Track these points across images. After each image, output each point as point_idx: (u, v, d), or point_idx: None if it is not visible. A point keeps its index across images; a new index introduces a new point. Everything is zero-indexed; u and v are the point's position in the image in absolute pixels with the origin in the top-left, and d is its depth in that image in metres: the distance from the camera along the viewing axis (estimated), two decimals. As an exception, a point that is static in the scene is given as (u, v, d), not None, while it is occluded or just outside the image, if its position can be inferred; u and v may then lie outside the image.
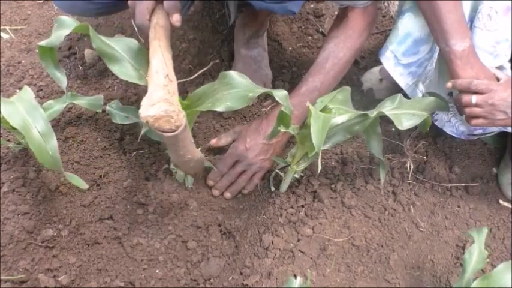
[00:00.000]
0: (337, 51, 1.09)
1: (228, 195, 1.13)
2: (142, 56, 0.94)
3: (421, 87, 1.19)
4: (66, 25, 0.96)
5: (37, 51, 1.36)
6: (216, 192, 1.13)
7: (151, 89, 0.78)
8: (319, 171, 0.91)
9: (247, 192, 1.15)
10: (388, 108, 0.99)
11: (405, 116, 0.98)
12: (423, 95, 1.16)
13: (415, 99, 1.05)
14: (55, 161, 0.90)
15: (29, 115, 0.89)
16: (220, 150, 1.19)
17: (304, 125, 0.96)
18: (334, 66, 1.08)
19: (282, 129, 0.91)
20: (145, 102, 0.77)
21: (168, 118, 0.77)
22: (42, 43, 0.96)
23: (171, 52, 0.84)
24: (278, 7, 0.97)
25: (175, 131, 0.79)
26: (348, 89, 1.03)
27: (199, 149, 1.16)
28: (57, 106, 1.10)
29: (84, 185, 1.03)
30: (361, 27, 1.11)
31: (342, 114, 0.96)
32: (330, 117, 0.90)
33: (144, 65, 0.92)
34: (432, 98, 1.05)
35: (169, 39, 0.86)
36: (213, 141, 1.17)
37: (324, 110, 0.97)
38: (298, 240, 1.09)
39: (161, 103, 0.76)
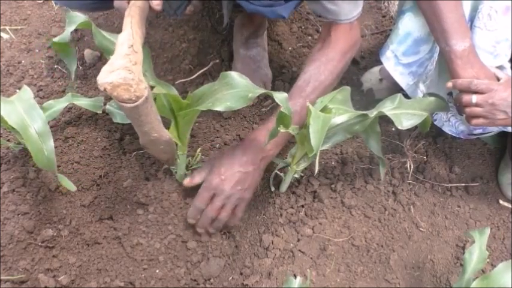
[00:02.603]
0: (318, 75, 1.06)
1: (212, 230, 1.05)
2: (144, 54, 0.93)
3: (422, 87, 1.19)
4: (75, 21, 0.98)
5: (37, 51, 1.37)
6: (200, 231, 1.04)
7: (113, 58, 0.75)
8: (316, 171, 0.91)
9: (233, 225, 1.06)
10: (388, 108, 0.99)
11: (405, 116, 0.98)
12: (423, 95, 1.16)
13: (415, 99, 1.05)
14: (49, 161, 0.90)
15: (27, 115, 0.90)
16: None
17: (304, 125, 0.96)
18: (315, 90, 1.04)
19: (282, 129, 0.90)
20: (104, 69, 0.74)
21: (127, 86, 0.73)
22: (56, 39, 1.01)
23: (143, 29, 0.82)
24: (267, 11, 0.95)
25: (135, 101, 0.76)
26: (347, 88, 1.03)
27: (199, 149, 1.17)
28: (57, 106, 1.11)
29: (72, 187, 0.97)
30: (344, 49, 1.08)
31: (342, 114, 0.96)
32: (329, 117, 0.90)
33: (146, 63, 0.92)
34: (432, 98, 1.05)
35: (143, 18, 0.84)
36: (187, 181, 1.05)
37: (324, 110, 0.97)
38: (298, 240, 1.09)
39: (120, 70, 0.73)
